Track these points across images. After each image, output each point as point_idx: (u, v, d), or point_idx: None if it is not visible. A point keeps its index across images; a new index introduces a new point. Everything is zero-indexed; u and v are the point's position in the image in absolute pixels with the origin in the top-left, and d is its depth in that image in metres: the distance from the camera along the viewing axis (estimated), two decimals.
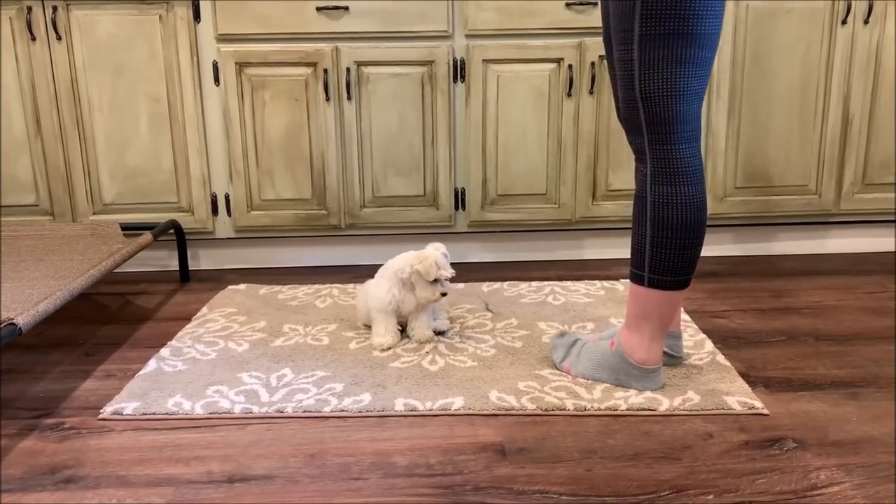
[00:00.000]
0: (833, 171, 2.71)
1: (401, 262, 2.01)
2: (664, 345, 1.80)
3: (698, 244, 1.62)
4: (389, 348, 2.00)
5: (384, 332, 2.01)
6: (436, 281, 1.96)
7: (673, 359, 1.85)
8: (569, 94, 2.61)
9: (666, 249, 1.61)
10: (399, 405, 1.70)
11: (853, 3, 2.56)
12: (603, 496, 1.37)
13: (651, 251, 1.62)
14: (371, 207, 2.70)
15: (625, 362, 1.73)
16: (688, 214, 1.59)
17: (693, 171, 1.60)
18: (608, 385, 1.76)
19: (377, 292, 2.02)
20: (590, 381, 1.78)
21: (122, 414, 1.69)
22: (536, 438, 1.56)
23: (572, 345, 1.83)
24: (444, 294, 1.98)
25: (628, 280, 1.74)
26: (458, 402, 1.70)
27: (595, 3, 2.54)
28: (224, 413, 1.69)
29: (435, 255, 1.96)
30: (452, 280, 2.49)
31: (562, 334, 1.86)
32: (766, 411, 1.65)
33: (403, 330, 2.08)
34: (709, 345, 1.99)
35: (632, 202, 2.65)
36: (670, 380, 1.79)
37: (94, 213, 2.67)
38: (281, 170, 2.65)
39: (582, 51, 2.58)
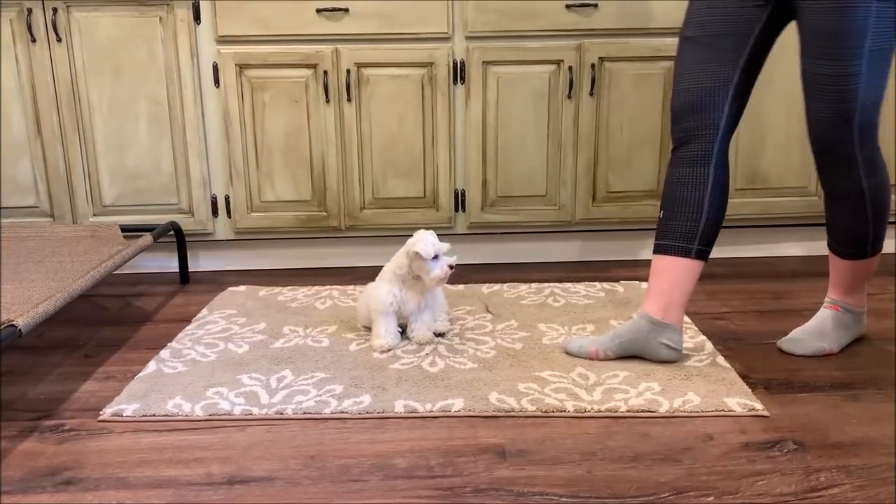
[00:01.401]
0: None
1: (396, 260, 2.01)
2: (664, 337, 1.86)
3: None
4: (389, 350, 2.00)
5: (384, 334, 2.01)
6: (436, 258, 1.96)
7: (673, 351, 1.86)
8: (569, 96, 2.61)
9: (881, 221, 1.86)
10: (399, 407, 1.70)
11: None
12: (603, 498, 1.37)
13: (873, 227, 1.85)
14: (371, 209, 2.70)
15: (858, 314, 1.99)
16: (889, 189, 1.85)
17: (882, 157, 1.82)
18: (608, 386, 1.77)
19: (377, 294, 2.02)
20: (590, 382, 1.78)
21: (121, 415, 1.69)
22: (536, 440, 1.56)
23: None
24: (451, 267, 1.97)
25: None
26: (458, 404, 1.70)
27: (594, 5, 2.54)
28: (224, 415, 1.69)
29: (427, 236, 1.97)
30: (452, 281, 2.50)
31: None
32: (766, 413, 1.65)
33: (403, 332, 2.08)
34: (709, 346, 1.99)
35: (631, 204, 2.67)
36: (670, 381, 1.79)
37: (94, 215, 2.67)
38: (281, 171, 2.65)
39: (582, 52, 2.58)
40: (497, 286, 2.51)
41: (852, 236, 1.87)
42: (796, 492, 1.37)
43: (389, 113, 2.61)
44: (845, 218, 1.85)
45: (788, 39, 2.59)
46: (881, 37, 1.66)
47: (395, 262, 2.02)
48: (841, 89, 1.69)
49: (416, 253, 1.95)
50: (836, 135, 1.74)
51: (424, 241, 1.94)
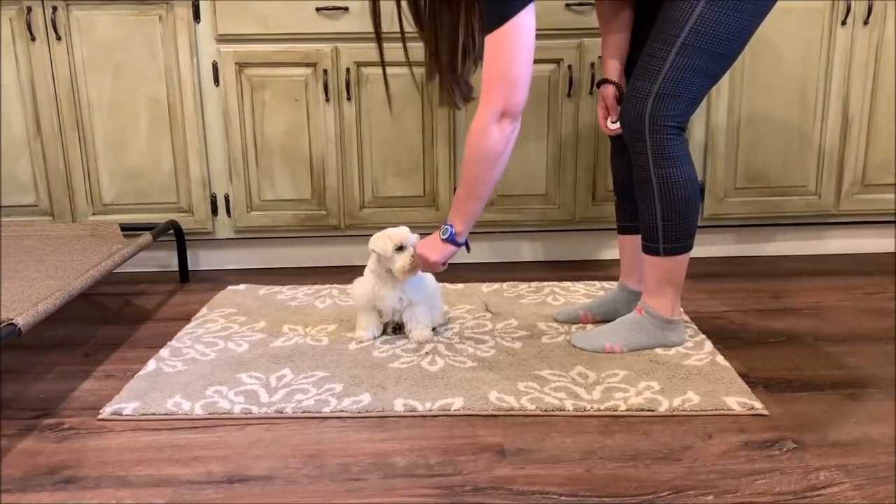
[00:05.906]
0: (833, 171, 2.71)
1: (371, 257, 2.06)
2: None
3: (696, 213, 1.89)
4: (366, 342, 2.04)
5: (365, 327, 2.07)
6: (402, 249, 1.98)
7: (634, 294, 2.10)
8: (569, 95, 2.61)
9: (673, 221, 1.85)
10: (398, 406, 1.70)
11: (853, 3, 2.56)
12: (602, 497, 1.37)
13: (662, 225, 1.86)
14: (371, 208, 2.70)
15: (660, 320, 1.94)
16: (687, 190, 1.84)
17: (686, 154, 1.84)
18: (608, 385, 1.77)
19: (357, 290, 2.08)
20: (590, 381, 1.78)
21: (121, 414, 1.69)
22: (536, 439, 1.56)
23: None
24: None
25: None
26: (457, 403, 1.70)
27: (594, 4, 2.53)
28: (223, 413, 1.69)
29: (388, 231, 2.00)
30: (452, 280, 2.50)
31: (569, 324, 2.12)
32: (765, 412, 1.65)
33: (400, 330, 2.08)
34: (708, 345, 1.99)
35: None
36: (669, 380, 1.79)
37: (93, 214, 2.67)
38: (280, 170, 2.65)
39: (582, 51, 2.58)
40: (496, 285, 2.51)
41: (643, 225, 1.90)
42: (796, 491, 1.37)
43: (389, 112, 2.61)
44: (640, 203, 1.90)
45: (788, 40, 2.60)
46: (699, 35, 1.72)
47: (370, 259, 2.07)
48: (645, 66, 1.80)
49: (373, 251, 2.00)
50: (632, 111, 1.82)
51: (382, 238, 1.99)
